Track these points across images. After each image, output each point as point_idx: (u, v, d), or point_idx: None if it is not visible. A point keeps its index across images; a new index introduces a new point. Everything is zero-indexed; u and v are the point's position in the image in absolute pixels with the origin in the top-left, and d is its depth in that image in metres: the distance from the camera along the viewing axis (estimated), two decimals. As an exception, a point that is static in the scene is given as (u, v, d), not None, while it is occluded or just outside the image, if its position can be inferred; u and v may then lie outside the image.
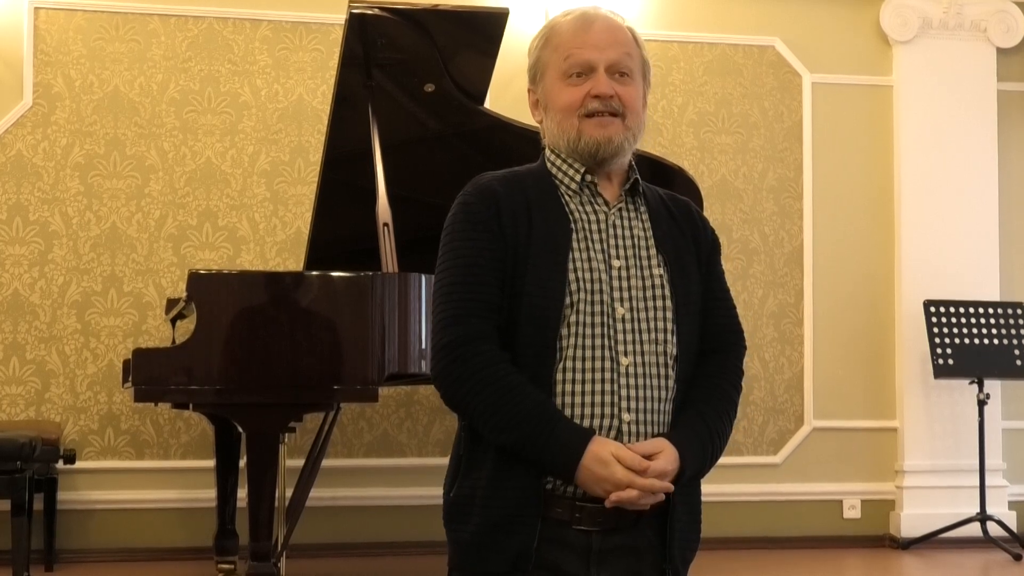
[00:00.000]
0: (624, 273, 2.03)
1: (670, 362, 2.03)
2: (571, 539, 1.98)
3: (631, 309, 2.02)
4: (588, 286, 2.00)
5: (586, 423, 1.97)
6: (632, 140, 2.09)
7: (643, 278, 2.05)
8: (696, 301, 2.10)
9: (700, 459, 2.03)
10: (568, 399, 1.98)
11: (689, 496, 2.06)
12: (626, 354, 1.99)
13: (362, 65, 4.75)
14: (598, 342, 1.99)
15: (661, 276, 2.06)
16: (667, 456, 1.96)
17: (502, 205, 2.03)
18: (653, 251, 2.08)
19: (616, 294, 2.02)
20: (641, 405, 1.99)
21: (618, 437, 1.97)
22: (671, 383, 2.03)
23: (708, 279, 2.14)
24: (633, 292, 2.03)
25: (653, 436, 1.99)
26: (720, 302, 2.16)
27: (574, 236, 2.03)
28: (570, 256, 2.01)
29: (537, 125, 2.19)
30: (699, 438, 2.03)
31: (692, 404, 2.06)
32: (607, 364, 1.98)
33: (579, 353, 1.98)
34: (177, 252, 5.94)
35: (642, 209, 2.12)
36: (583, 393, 1.98)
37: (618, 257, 2.04)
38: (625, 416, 1.97)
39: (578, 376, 1.98)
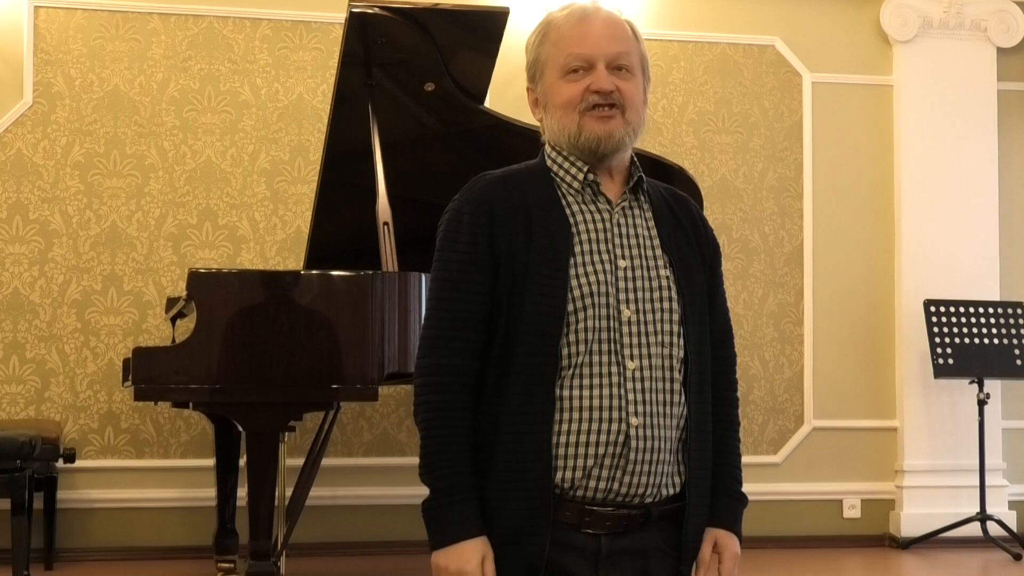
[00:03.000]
0: (630, 274, 2.01)
1: (676, 365, 2.02)
2: (579, 542, 1.98)
3: (637, 311, 2.00)
4: (594, 288, 1.98)
5: (594, 427, 1.95)
6: (633, 135, 2.07)
7: (649, 279, 2.02)
8: (701, 303, 2.08)
9: (740, 511, 2.15)
10: (576, 403, 1.96)
11: (702, 499, 2.06)
12: (632, 358, 1.98)
13: (362, 64, 4.75)
14: (604, 347, 1.97)
15: (667, 278, 2.04)
16: (730, 553, 2.10)
17: (497, 212, 2.01)
18: (659, 251, 2.05)
19: (622, 296, 2.00)
20: (649, 409, 1.98)
21: (626, 441, 1.95)
22: (678, 386, 2.02)
23: (711, 287, 2.13)
24: (639, 294, 2.01)
25: (661, 439, 1.98)
26: (720, 316, 2.16)
27: (576, 239, 2.01)
28: (572, 261, 1.99)
29: (537, 124, 2.17)
30: (734, 498, 2.14)
31: (715, 452, 2.11)
32: (613, 368, 1.97)
33: (585, 359, 1.96)
34: (177, 251, 5.94)
35: (645, 207, 2.09)
36: (590, 398, 1.96)
37: (624, 257, 2.02)
38: (633, 420, 1.96)
39: (584, 381, 1.96)
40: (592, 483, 1.96)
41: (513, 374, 1.97)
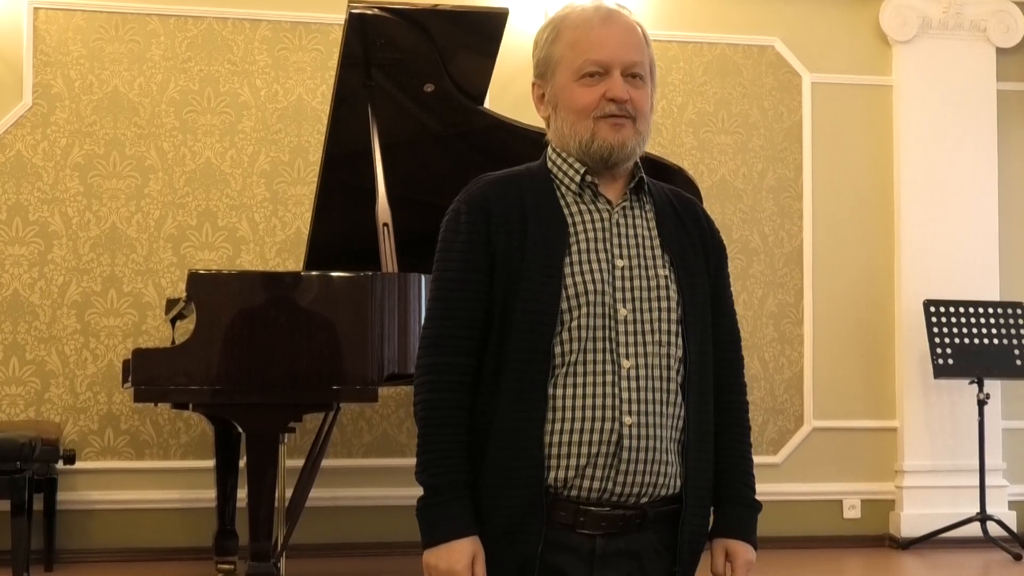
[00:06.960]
0: (628, 273, 2.01)
1: (674, 364, 2.01)
2: (574, 543, 1.97)
3: (634, 310, 1.99)
4: (589, 287, 1.98)
5: (587, 426, 1.95)
6: (642, 144, 2.07)
7: (647, 278, 2.02)
8: (703, 302, 2.07)
9: (754, 519, 2.13)
10: (569, 402, 1.95)
11: (699, 501, 2.05)
12: (627, 356, 1.97)
13: (362, 65, 4.75)
14: (599, 345, 1.96)
15: (666, 277, 2.03)
16: (741, 561, 2.07)
17: (493, 214, 2.02)
18: (658, 251, 2.05)
19: (619, 295, 1.99)
20: (643, 408, 1.97)
21: (619, 441, 1.95)
22: (675, 386, 2.01)
23: (717, 289, 2.13)
24: (637, 293, 2.00)
25: (657, 439, 1.97)
26: (726, 318, 2.15)
27: (572, 239, 2.01)
28: (567, 261, 1.99)
29: (539, 124, 2.16)
30: (747, 505, 2.12)
31: (725, 458, 2.10)
32: (608, 367, 1.96)
33: (579, 357, 1.96)
34: (177, 252, 5.94)
35: (647, 207, 2.09)
36: (583, 396, 1.95)
37: (622, 257, 2.02)
38: (627, 419, 1.95)
39: (578, 380, 1.96)
40: (586, 483, 1.95)
41: (506, 372, 1.97)
